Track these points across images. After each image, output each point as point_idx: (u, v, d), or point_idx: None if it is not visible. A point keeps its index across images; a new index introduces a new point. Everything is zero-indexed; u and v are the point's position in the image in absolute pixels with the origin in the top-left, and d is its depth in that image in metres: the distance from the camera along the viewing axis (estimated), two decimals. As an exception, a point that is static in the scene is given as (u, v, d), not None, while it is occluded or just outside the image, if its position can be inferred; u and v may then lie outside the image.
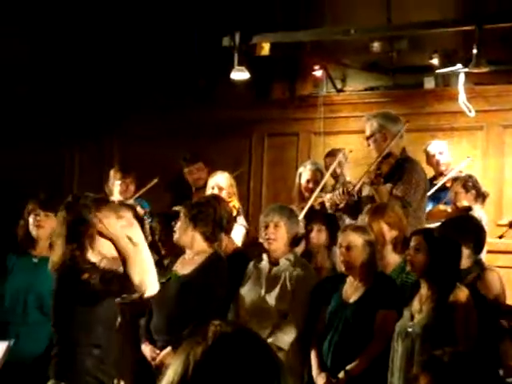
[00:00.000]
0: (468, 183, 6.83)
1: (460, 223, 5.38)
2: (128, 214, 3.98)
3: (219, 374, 1.48)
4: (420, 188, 6.02)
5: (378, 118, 6.14)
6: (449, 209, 6.87)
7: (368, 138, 6.13)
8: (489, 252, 7.07)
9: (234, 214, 6.66)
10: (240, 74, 7.88)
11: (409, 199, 5.87)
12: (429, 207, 7.04)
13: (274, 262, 5.40)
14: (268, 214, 5.45)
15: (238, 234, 6.59)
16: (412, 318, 4.62)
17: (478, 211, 6.67)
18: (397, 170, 5.98)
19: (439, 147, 7.57)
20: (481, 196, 6.90)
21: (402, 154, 6.14)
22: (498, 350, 5.07)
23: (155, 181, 7.42)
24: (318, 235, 5.77)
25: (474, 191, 6.81)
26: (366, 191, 6.13)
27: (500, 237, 7.00)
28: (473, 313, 4.53)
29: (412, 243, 4.70)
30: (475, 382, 2.36)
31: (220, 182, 6.91)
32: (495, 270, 5.52)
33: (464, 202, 6.71)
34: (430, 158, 7.56)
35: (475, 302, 4.63)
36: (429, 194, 6.70)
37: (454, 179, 7.07)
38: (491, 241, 7.21)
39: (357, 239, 4.98)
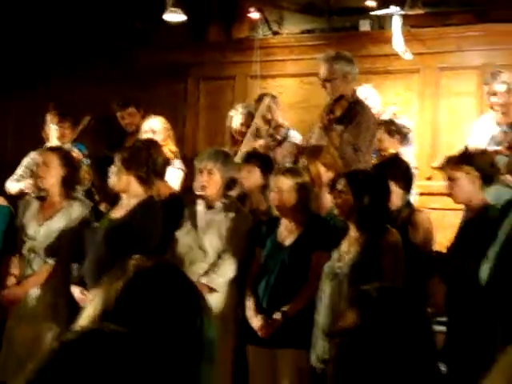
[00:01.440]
0: (391, 128, 6.76)
1: (388, 163, 5.42)
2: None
3: (139, 307, 1.46)
4: (370, 132, 6.02)
5: (338, 60, 6.05)
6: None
7: (325, 81, 6.04)
8: (422, 194, 7.16)
9: (172, 157, 6.63)
10: (174, 16, 7.76)
11: (359, 143, 5.87)
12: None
13: (209, 206, 5.38)
14: (202, 160, 5.39)
15: (175, 177, 6.55)
16: (340, 258, 4.64)
17: (406, 153, 6.67)
18: (348, 112, 5.95)
19: (365, 92, 7.49)
20: (405, 137, 6.87)
21: (353, 96, 6.11)
22: (426, 289, 5.16)
23: (88, 119, 7.34)
24: (249, 176, 5.71)
25: (398, 136, 6.76)
26: (314, 136, 6.09)
27: (428, 178, 6.99)
28: (401, 253, 4.57)
29: (338, 186, 4.70)
30: (403, 316, 2.37)
31: (154, 126, 6.85)
32: (424, 211, 5.59)
33: (391, 150, 6.65)
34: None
35: (405, 243, 4.67)
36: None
37: (378, 124, 6.96)
38: (424, 183, 7.29)
39: (287, 182, 4.97)
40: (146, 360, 1.23)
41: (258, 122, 6.91)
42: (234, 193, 5.59)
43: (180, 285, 1.52)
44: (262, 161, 5.80)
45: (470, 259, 4.50)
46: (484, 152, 5.37)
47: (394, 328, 2.32)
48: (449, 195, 5.01)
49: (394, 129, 6.77)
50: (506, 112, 6.42)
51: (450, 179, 4.91)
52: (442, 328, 4.95)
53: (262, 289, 4.95)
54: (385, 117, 7.35)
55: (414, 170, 6.49)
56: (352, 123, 5.85)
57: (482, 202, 4.91)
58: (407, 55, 7.86)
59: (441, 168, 5.03)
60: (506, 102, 6.43)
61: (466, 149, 5.36)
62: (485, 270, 4.29)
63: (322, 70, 6.05)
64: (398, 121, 7.12)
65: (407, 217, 5.20)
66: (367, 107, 6.13)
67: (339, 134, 5.84)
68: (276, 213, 5.08)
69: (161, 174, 5.56)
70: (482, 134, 6.76)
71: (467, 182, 4.85)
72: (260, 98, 7.47)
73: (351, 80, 6.02)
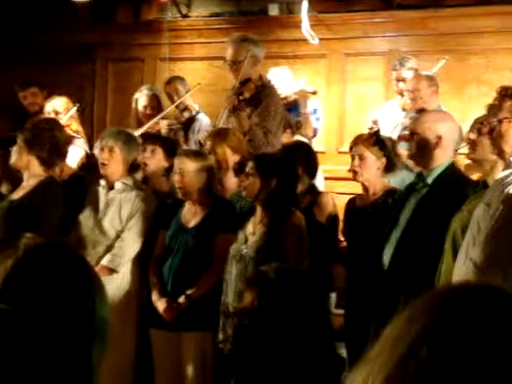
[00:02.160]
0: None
1: (292, 148, 5.46)
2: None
3: (28, 285, 1.43)
4: (278, 115, 6.04)
5: (246, 42, 6.05)
6: None
7: (233, 63, 6.03)
8: (329, 179, 7.24)
9: (78, 136, 6.56)
10: (80, -4, 7.64)
11: (268, 126, 5.89)
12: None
13: (110, 187, 5.33)
14: (103, 138, 5.36)
15: (76, 156, 6.46)
16: (246, 240, 4.67)
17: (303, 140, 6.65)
18: (256, 95, 5.96)
19: (275, 73, 7.51)
20: (295, 129, 6.80)
21: (260, 79, 6.13)
22: (331, 273, 5.24)
23: None
24: (152, 157, 5.64)
25: (288, 129, 6.65)
26: (222, 119, 6.08)
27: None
28: (305, 235, 4.61)
29: (246, 169, 4.72)
30: (300, 297, 2.40)
31: (56, 107, 6.79)
32: (328, 193, 5.65)
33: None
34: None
35: (310, 226, 4.72)
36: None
37: None
38: (331, 167, 7.37)
39: (191, 165, 4.95)
40: (31, 338, 1.22)
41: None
42: (138, 175, 5.55)
43: (70, 264, 1.50)
44: (165, 143, 5.76)
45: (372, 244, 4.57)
46: (391, 139, 5.44)
47: (291, 309, 2.35)
48: (353, 172, 5.02)
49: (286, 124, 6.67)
50: (414, 98, 6.50)
51: (359, 156, 4.94)
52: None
53: (166, 271, 4.93)
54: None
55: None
56: (260, 106, 5.87)
57: (385, 187, 4.99)
58: (314, 40, 7.91)
59: (352, 145, 5.06)
60: (414, 88, 6.51)
61: (379, 132, 5.43)
62: (387, 255, 4.37)
63: (230, 52, 6.06)
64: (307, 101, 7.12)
65: (311, 200, 5.25)
66: (275, 90, 6.16)
67: (248, 116, 5.86)
68: (180, 195, 5.06)
69: (63, 155, 5.47)
70: (387, 120, 6.87)
71: (374, 164, 4.91)
72: (169, 81, 7.43)
73: (258, 63, 6.04)
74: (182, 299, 4.83)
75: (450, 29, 7.75)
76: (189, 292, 4.82)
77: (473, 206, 3.81)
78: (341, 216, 5.44)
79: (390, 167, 4.98)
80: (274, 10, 8.49)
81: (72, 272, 1.48)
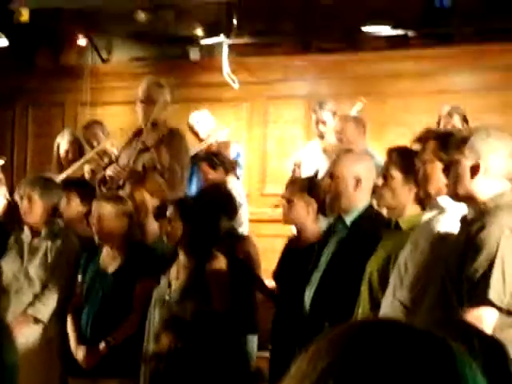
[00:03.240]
0: (213, 161, 6.68)
1: (210, 191, 5.45)
2: None
3: None
4: (187, 158, 6.09)
5: (160, 86, 6.11)
6: None
7: (148, 101, 6.06)
8: (254, 221, 7.24)
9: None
10: (-3, 41, 7.56)
11: (182, 166, 5.94)
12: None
13: (34, 233, 5.26)
14: (20, 188, 5.31)
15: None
16: (170, 285, 4.62)
17: (233, 183, 6.64)
18: (168, 138, 5.99)
19: (197, 117, 7.52)
20: (230, 168, 6.82)
21: (166, 124, 6.17)
22: (254, 316, 5.21)
23: None
24: (68, 203, 5.55)
25: (221, 167, 6.63)
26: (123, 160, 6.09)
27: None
28: (227, 279, 4.59)
29: (167, 213, 4.69)
30: (216, 339, 2.37)
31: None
32: (250, 237, 5.64)
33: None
34: (191, 128, 7.50)
35: (232, 268, 4.70)
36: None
37: (200, 159, 6.82)
38: (254, 210, 7.37)
39: (109, 209, 4.91)
40: None
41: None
42: (61, 220, 5.47)
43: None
44: (81, 187, 5.68)
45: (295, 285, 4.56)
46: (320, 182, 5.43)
47: (207, 351, 2.32)
48: (284, 217, 5.00)
49: (216, 162, 6.66)
50: (341, 140, 6.49)
51: (287, 201, 4.91)
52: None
53: (85, 318, 4.85)
54: (211, 139, 7.35)
55: (240, 199, 6.55)
56: (172, 149, 5.91)
57: (317, 232, 4.91)
58: (235, 84, 7.97)
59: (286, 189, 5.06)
60: (341, 129, 6.51)
61: (312, 178, 5.44)
62: (308, 297, 4.36)
63: (145, 90, 6.10)
64: (230, 149, 7.14)
65: (232, 243, 5.22)
66: (183, 135, 6.22)
67: (164, 157, 5.90)
68: (97, 240, 4.99)
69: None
70: (308, 162, 6.91)
71: (303, 209, 4.86)
72: (87, 126, 7.38)
73: (166, 108, 6.12)
74: (101, 346, 4.74)
75: (368, 72, 7.90)
76: (108, 338, 4.74)
77: (387, 249, 3.83)
78: (263, 258, 5.44)
79: (323, 211, 4.92)
80: (195, 54, 8.53)
81: None
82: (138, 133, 6.22)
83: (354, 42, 8.12)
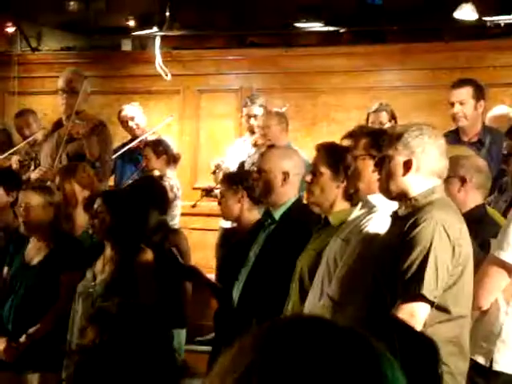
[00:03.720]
0: (158, 148, 6.74)
1: (143, 184, 5.41)
2: None
3: None
4: (111, 150, 6.20)
5: (83, 77, 6.10)
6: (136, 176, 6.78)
7: (71, 90, 6.03)
8: (185, 215, 7.21)
9: None
10: None
11: (106, 158, 6.00)
12: (128, 172, 7.03)
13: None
14: None
15: None
16: (95, 278, 4.57)
17: (170, 175, 6.70)
18: (95, 128, 5.98)
19: (130, 112, 7.46)
20: (172, 159, 6.90)
21: (95, 115, 6.20)
22: (182, 309, 5.18)
23: None
24: None
25: (165, 156, 6.75)
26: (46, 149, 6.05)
27: (193, 206, 7.06)
28: (154, 272, 4.56)
29: (94, 206, 4.63)
30: (142, 332, 2.35)
31: None
32: (181, 231, 5.63)
33: (156, 171, 6.63)
34: (123, 123, 7.43)
35: (162, 262, 4.67)
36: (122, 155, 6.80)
37: (145, 144, 6.99)
38: (187, 204, 7.34)
39: (36, 199, 4.84)
40: None
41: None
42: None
43: None
44: (7, 177, 5.59)
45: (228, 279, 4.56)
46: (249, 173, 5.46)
47: (132, 343, 2.30)
48: (221, 212, 5.04)
49: (161, 149, 6.73)
50: (264, 135, 6.57)
51: (221, 195, 4.95)
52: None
53: (7, 311, 4.77)
54: (149, 133, 7.36)
55: (177, 191, 6.56)
56: (102, 140, 5.90)
57: (254, 219, 4.91)
58: (167, 76, 7.93)
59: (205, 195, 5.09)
60: (265, 124, 6.59)
61: (241, 170, 5.47)
62: (236, 292, 4.36)
63: (67, 80, 6.08)
64: (166, 140, 7.12)
65: (162, 236, 5.18)
66: (107, 125, 6.22)
67: (94, 145, 5.89)
68: (23, 230, 4.92)
69: None
70: (236, 156, 6.93)
71: (235, 201, 4.86)
72: (20, 114, 7.28)
73: (87, 100, 6.13)
74: (23, 338, 4.68)
75: (301, 67, 7.93)
76: (30, 331, 4.67)
77: (318, 245, 3.85)
78: (193, 252, 5.43)
79: (255, 200, 4.93)
80: (127, 45, 8.46)
81: None
82: (58, 124, 6.19)
83: (287, 37, 8.15)
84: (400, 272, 3.15)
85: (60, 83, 6.11)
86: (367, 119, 6.51)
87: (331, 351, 1.01)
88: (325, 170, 3.90)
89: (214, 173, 6.88)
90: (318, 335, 1.04)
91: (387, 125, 6.31)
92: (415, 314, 3.06)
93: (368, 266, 3.41)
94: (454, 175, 3.87)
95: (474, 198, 3.92)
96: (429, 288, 3.10)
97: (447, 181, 3.78)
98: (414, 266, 3.12)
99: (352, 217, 3.72)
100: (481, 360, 3.37)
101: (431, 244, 3.11)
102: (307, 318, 1.13)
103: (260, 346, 1.04)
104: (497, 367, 3.33)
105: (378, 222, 3.53)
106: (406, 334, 1.71)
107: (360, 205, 3.71)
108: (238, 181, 4.92)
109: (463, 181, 3.90)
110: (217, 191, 5.85)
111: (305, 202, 4.27)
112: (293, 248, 4.01)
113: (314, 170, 3.96)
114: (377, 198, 3.57)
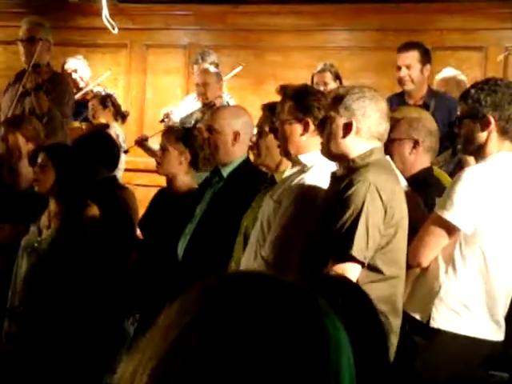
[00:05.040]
0: (106, 100, 6.75)
1: (91, 140, 5.29)
2: None
3: None
4: (71, 101, 6.11)
5: (43, 27, 6.03)
6: (83, 126, 6.73)
7: (29, 41, 5.94)
8: (128, 170, 7.17)
9: None
10: None
11: (64, 111, 5.95)
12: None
13: None
14: None
15: None
16: (40, 233, 4.54)
17: (116, 129, 6.66)
18: (52, 80, 5.94)
19: (74, 64, 7.38)
20: (120, 114, 6.88)
21: (49, 66, 6.11)
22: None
23: None
24: None
25: (112, 108, 6.74)
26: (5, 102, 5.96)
27: (125, 151, 6.86)
28: (101, 229, 4.54)
29: (38, 160, 4.57)
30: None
31: None
32: (129, 187, 5.55)
33: (102, 119, 6.62)
34: (67, 75, 7.34)
35: (108, 219, 4.64)
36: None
37: (94, 96, 6.97)
38: (129, 159, 7.31)
39: None
40: None
41: None
42: None
43: None
44: None
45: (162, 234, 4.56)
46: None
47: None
48: (157, 164, 4.93)
49: (108, 101, 6.73)
50: (204, 93, 6.59)
51: (162, 149, 4.85)
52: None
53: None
54: (92, 85, 7.30)
55: (122, 142, 6.53)
56: (55, 91, 5.82)
57: (186, 185, 4.87)
58: (114, 30, 7.82)
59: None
60: (203, 82, 6.58)
61: (189, 128, 5.44)
62: (181, 247, 4.37)
63: (27, 30, 5.98)
64: (114, 94, 7.07)
65: (111, 193, 5.09)
66: (67, 78, 6.14)
67: (44, 101, 5.80)
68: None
69: None
70: (186, 112, 6.90)
71: (176, 159, 4.80)
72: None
73: (49, 50, 6.03)
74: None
75: (249, 25, 7.90)
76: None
77: (262, 202, 3.88)
78: (142, 207, 5.39)
79: (195, 163, 4.87)
80: (74, -3, 8.32)
81: None
82: (20, 74, 6.09)
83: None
84: (332, 232, 3.20)
85: (20, 33, 6.02)
86: (312, 80, 6.53)
87: (274, 307, 1.02)
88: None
89: (163, 121, 6.84)
90: (261, 291, 1.04)
91: (331, 85, 6.35)
92: (346, 274, 3.10)
93: (301, 227, 3.44)
94: (407, 137, 3.91)
95: (422, 160, 3.96)
96: (359, 249, 3.15)
97: (399, 142, 3.85)
98: (346, 227, 3.16)
99: (283, 176, 3.75)
100: (418, 317, 3.45)
101: (363, 205, 3.14)
102: (251, 274, 1.13)
103: (203, 302, 1.04)
104: (434, 324, 3.41)
105: (310, 181, 3.56)
106: (347, 290, 1.75)
107: (290, 164, 3.74)
108: (186, 142, 4.84)
109: (415, 143, 3.94)
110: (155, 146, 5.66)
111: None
112: (239, 206, 4.03)
113: (259, 130, 3.98)
114: (309, 157, 3.60)
